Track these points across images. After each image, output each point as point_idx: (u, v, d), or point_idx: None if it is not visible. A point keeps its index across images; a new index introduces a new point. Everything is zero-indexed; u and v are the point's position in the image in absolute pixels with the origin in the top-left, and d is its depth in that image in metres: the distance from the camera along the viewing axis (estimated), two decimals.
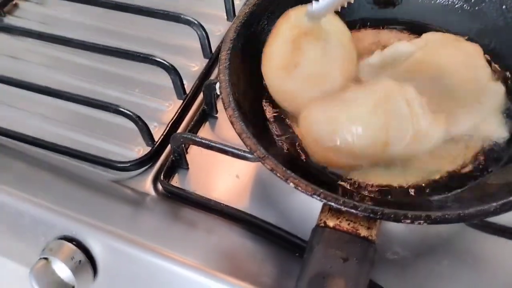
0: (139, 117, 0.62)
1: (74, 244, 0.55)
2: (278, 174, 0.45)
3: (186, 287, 0.55)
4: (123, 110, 0.61)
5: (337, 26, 0.61)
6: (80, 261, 0.53)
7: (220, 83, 0.52)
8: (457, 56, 0.59)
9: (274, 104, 0.60)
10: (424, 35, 0.62)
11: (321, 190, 0.43)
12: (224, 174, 0.63)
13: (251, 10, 0.60)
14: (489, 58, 0.62)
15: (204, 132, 0.69)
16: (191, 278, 0.54)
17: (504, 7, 0.60)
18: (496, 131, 0.56)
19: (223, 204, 0.59)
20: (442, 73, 0.58)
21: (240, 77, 0.57)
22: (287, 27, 0.59)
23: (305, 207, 0.57)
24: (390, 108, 0.51)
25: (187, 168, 0.64)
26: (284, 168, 0.45)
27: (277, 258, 0.55)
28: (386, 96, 0.52)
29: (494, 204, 0.41)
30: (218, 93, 0.52)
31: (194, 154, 0.66)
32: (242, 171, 0.63)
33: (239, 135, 0.48)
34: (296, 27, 0.58)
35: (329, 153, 0.53)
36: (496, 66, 0.62)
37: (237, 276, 0.53)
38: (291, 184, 0.44)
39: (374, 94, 0.53)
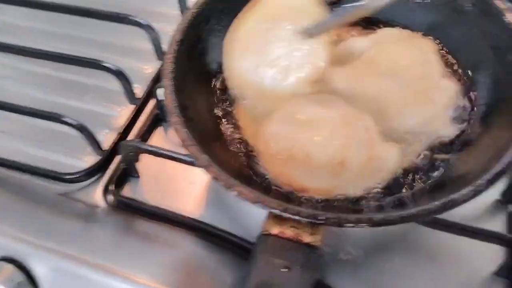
0: (83, 126, 0.59)
1: (15, 265, 0.52)
2: (221, 182, 0.44)
3: None
4: (66, 119, 0.59)
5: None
6: (19, 282, 0.51)
7: (164, 89, 0.51)
8: (411, 52, 0.59)
9: (227, 110, 0.59)
10: (380, 31, 0.62)
11: (264, 197, 0.42)
12: (178, 181, 0.62)
13: (199, 10, 0.58)
14: (445, 53, 0.62)
15: (157, 137, 0.67)
16: None
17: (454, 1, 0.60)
18: (444, 129, 0.56)
19: (176, 213, 0.57)
20: (395, 69, 0.58)
21: (188, 82, 0.55)
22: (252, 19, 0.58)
23: (259, 213, 0.56)
24: (349, 131, 0.52)
25: (138, 177, 0.63)
26: (227, 176, 0.44)
27: (235, 266, 0.54)
28: (346, 119, 0.53)
29: (436, 203, 0.41)
30: (162, 98, 0.50)
31: (146, 161, 0.63)
32: (196, 177, 0.62)
33: (183, 142, 0.47)
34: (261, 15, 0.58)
35: (284, 169, 0.52)
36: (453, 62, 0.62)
37: None
38: (234, 192, 0.43)
39: (335, 115, 0.53)
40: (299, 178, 0.51)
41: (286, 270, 0.40)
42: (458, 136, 0.55)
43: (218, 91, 0.61)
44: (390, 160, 0.52)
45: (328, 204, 0.49)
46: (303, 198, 0.50)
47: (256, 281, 0.40)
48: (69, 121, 0.59)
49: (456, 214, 0.54)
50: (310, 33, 0.55)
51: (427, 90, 0.57)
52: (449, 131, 0.56)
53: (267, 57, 0.57)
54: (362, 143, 0.51)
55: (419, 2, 0.64)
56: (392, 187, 0.52)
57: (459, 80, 0.60)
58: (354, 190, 0.51)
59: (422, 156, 0.54)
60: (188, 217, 0.57)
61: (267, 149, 0.53)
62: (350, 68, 0.59)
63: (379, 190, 0.51)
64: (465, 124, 0.56)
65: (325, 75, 0.59)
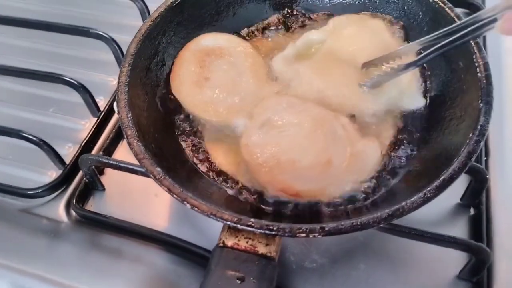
0: (43, 140, 0.59)
1: None
2: (174, 195, 0.44)
3: None
4: (25, 134, 0.58)
5: (234, 40, 0.63)
6: None
7: (117, 102, 0.50)
8: (364, 35, 0.61)
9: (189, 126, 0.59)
10: (330, 20, 0.63)
11: (217, 210, 0.42)
12: (143, 194, 0.61)
13: (155, 22, 0.58)
14: (398, 27, 0.63)
15: (122, 150, 0.67)
16: None
17: (405, 7, 0.61)
18: (414, 101, 0.57)
19: (142, 226, 0.57)
20: (353, 54, 0.59)
21: (145, 95, 0.55)
22: (189, 52, 0.61)
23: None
24: (329, 130, 0.52)
25: (103, 190, 0.62)
26: (181, 189, 0.44)
27: (201, 278, 0.52)
28: (322, 120, 0.53)
29: (386, 211, 0.41)
30: (116, 112, 0.50)
31: (111, 175, 0.63)
32: (160, 190, 0.60)
33: (136, 156, 0.47)
34: (197, 51, 0.61)
35: (274, 176, 0.52)
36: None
37: None
38: (188, 205, 0.43)
39: (310, 118, 0.53)
40: (290, 183, 0.51)
41: (240, 282, 0.40)
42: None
43: (176, 104, 0.60)
44: (372, 153, 0.53)
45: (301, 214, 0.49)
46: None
47: None
48: (29, 136, 0.59)
49: (419, 219, 0.55)
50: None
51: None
52: (418, 103, 0.57)
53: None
54: (342, 141, 0.52)
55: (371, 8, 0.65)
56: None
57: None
58: (345, 186, 0.51)
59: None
60: (154, 230, 0.57)
61: (253, 159, 0.53)
62: (312, 63, 0.60)
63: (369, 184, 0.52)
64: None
65: (288, 71, 0.60)
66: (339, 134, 0.52)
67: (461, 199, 0.59)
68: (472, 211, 0.58)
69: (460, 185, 0.59)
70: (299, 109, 0.55)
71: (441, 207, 0.59)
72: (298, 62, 0.61)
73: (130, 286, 0.53)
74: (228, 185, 0.54)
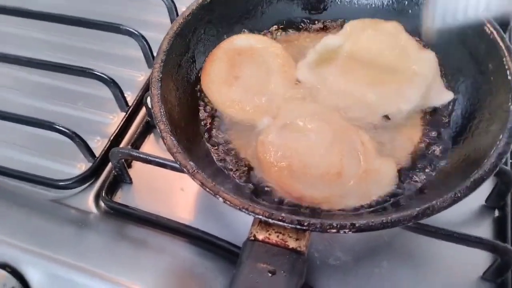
0: (75, 133, 0.60)
1: (7, 271, 0.53)
2: (207, 189, 0.45)
3: None
4: (57, 127, 0.60)
5: (266, 41, 0.64)
6: (13, 287, 0.51)
7: (151, 97, 0.51)
8: (380, 37, 0.62)
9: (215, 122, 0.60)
10: (346, 25, 0.64)
11: (250, 204, 0.43)
12: (169, 187, 0.63)
13: (186, 20, 0.59)
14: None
15: (149, 144, 0.68)
16: None
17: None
18: (442, 96, 0.58)
19: (168, 219, 0.58)
20: (375, 57, 0.60)
21: (176, 90, 0.56)
22: (221, 50, 0.62)
23: (249, 219, 0.56)
24: (347, 144, 0.53)
25: (131, 183, 0.63)
26: (213, 183, 0.45)
27: (226, 271, 0.54)
28: (344, 133, 0.54)
29: (416, 209, 0.41)
30: (150, 106, 0.51)
31: (138, 168, 0.65)
32: (186, 184, 0.62)
33: (169, 150, 0.48)
34: (229, 50, 0.62)
35: (283, 177, 0.53)
36: None
37: None
38: (220, 198, 0.44)
39: (332, 129, 0.54)
40: (297, 186, 0.52)
41: (271, 275, 0.41)
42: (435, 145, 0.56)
43: (205, 100, 0.61)
44: (387, 174, 0.53)
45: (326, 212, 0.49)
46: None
47: (242, 286, 0.40)
48: (61, 128, 0.60)
49: (444, 220, 0.55)
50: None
51: (411, 67, 0.59)
52: (446, 96, 0.58)
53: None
54: (358, 156, 0.53)
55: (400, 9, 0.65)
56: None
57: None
58: (350, 201, 0.51)
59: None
60: (180, 223, 0.58)
61: (266, 157, 0.54)
62: (336, 67, 0.61)
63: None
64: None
65: (314, 77, 0.61)
66: (356, 149, 0.53)
67: (486, 201, 0.59)
68: (496, 213, 0.59)
69: (485, 187, 0.58)
70: (323, 118, 0.56)
71: (466, 209, 0.59)
72: (321, 67, 0.61)
73: (155, 276, 0.54)
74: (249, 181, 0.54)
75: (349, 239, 0.57)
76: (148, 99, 0.51)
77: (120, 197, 0.62)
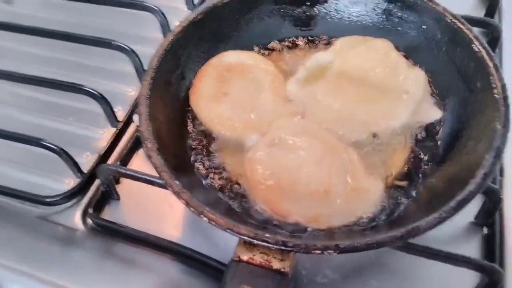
0: (62, 149, 0.60)
1: None
2: (192, 209, 0.45)
3: None
4: (45, 143, 0.60)
5: (256, 58, 0.64)
6: None
7: (139, 115, 0.51)
8: (370, 54, 0.62)
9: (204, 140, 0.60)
10: (337, 41, 0.65)
11: (234, 224, 0.43)
12: (158, 204, 0.62)
13: (177, 37, 0.59)
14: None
15: (138, 160, 0.68)
16: None
17: (423, 26, 0.62)
18: (430, 114, 0.58)
19: (156, 236, 0.57)
20: (364, 73, 0.61)
21: (165, 108, 0.56)
22: (210, 67, 0.62)
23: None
24: (335, 162, 0.53)
25: (119, 199, 0.63)
26: (198, 203, 0.45)
27: None
28: (333, 151, 0.54)
29: (401, 230, 0.41)
30: (138, 124, 0.51)
31: (126, 184, 0.64)
32: (175, 201, 0.60)
33: (156, 168, 0.48)
34: (218, 66, 0.62)
35: (270, 195, 0.52)
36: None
37: None
38: (205, 218, 0.44)
39: (321, 146, 0.54)
40: (284, 204, 0.51)
41: None
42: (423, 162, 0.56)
43: (194, 117, 0.61)
44: (374, 193, 0.53)
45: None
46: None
47: None
48: (49, 145, 0.60)
49: (432, 237, 0.55)
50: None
51: (400, 85, 0.59)
52: (435, 114, 0.58)
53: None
54: (346, 174, 0.53)
55: (390, 27, 0.66)
56: None
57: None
58: (337, 221, 0.51)
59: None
60: (168, 241, 0.57)
61: (253, 175, 0.53)
62: (325, 84, 0.61)
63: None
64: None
65: (304, 94, 0.61)
66: (345, 167, 0.53)
67: (475, 218, 0.59)
68: (485, 230, 0.58)
69: (474, 204, 0.58)
70: (312, 135, 0.56)
71: (454, 226, 0.59)
72: (311, 84, 0.62)
73: None
74: (236, 200, 0.54)
75: (337, 257, 0.57)
76: (136, 117, 0.51)
77: (107, 213, 0.62)
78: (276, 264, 0.43)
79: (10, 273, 0.55)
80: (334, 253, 0.41)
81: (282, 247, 0.41)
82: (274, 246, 0.41)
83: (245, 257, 0.43)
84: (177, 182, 0.46)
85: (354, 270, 0.56)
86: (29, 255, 0.57)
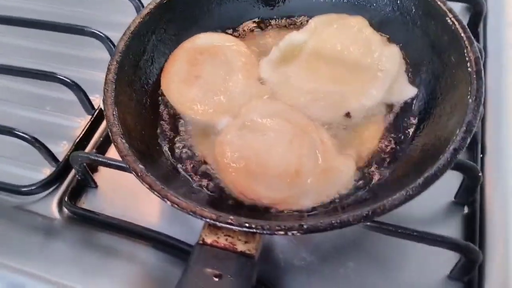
0: (35, 138, 0.60)
1: None
2: (155, 193, 0.44)
3: None
4: (17, 132, 0.59)
5: (229, 39, 0.63)
6: None
7: (104, 100, 0.50)
8: (345, 33, 0.60)
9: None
10: (311, 20, 0.63)
11: (197, 207, 0.42)
12: (135, 191, 0.61)
13: (144, 20, 0.58)
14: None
15: None
16: None
17: (398, 1, 0.60)
18: (405, 91, 0.57)
19: (134, 224, 0.57)
20: (339, 52, 0.59)
21: (132, 92, 0.55)
22: (182, 50, 0.61)
23: None
24: (306, 142, 0.52)
25: (96, 187, 0.62)
26: (162, 186, 0.44)
27: None
28: (303, 132, 0.53)
29: (366, 208, 0.40)
30: (102, 108, 0.50)
31: (104, 172, 0.64)
32: None
33: (119, 153, 0.47)
34: (190, 49, 0.61)
35: (239, 178, 0.52)
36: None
37: None
38: (168, 202, 0.43)
39: (292, 127, 0.53)
40: (254, 187, 0.51)
41: (217, 279, 0.40)
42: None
43: (166, 102, 0.60)
44: (345, 173, 0.52)
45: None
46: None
47: None
48: (21, 134, 0.60)
49: (412, 217, 0.55)
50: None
51: (375, 63, 0.58)
52: (410, 92, 0.57)
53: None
54: (317, 154, 0.52)
55: (364, 4, 0.64)
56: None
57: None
58: (308, 201, 0.50)
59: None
60: (144, 227, 0.57)
61: (223, 157, 0.53)
62: (299, 64, 0.59)
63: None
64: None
65: (276, 75, 0.59)
66: (315, 147, 0.52)
67: (455, 197, 0.58)
68: (466, 209, 0.57)
69: (454, 182, 0.58)
70: (283, 116, 0.55)
71: (435, 206, 0.58)
72: (284, 65, 0.60)
73: (121, 284, 0.53)
74: (207, 184, 0.53)
75: (314, 240, 0.56)
76: (101, 102, 0.50)
77: (84, 202, 0.62)
78: (240, 247, 0.42)
79: None
80: (298, 234, 0.40)
81: (245, 229, 0.41)
82: (237, 228, 0.41)
83: (209, 240, 0.43)
84: (141, 166, 0.45)
85: (332, 252, 0.55)
86: (6, 246, 0.57)
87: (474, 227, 0.55)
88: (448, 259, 0.52)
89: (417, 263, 0.53)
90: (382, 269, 0.53)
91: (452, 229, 0.56)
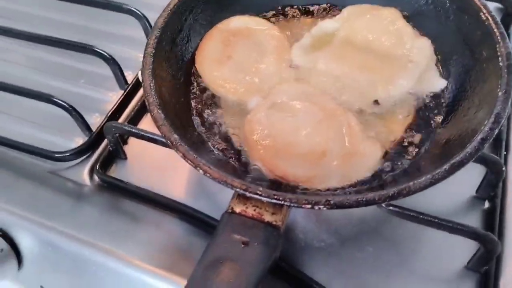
0: (72, 107, 0.62)
1: None
2: (189, 161, 0.46)
3: (125, 283, 0.55)
4: (56, 100, 0.62)
5: (262, 23, 0.65)
6: (1, 249, 0.53)
7: (142, 71, 0.53)
8: (377, 23, 0.61)
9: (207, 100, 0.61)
10: (344, 10, 0.64)
11: (228, 177, 0.44)
12: (162, 165, 0.64)
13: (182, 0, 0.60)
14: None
15: (146, 121, 0.69)
16: (130, 275, 0.54)
17: None
18: (435, 83, 0.58)
19: (160, 195, 0.59)
20: (370, 42, 0.60)
21: (168, 67, 0.57)
22: (217, 31, 0.63)
23: None
24: (333, 125, 0.53)
25: (126, 159, 0.65)
26: (195, 155, 0.46)
27: None
28: (331, 115, 0.54)
29: (392, 189, 0.42)
30: (140, 79, 0.52)
31: (134, 145, 0.66)
32: (180, 161, 0.63)
33: (155, 122, 0.49)
34: (224, 30, 0.63)
35: (267, 155, 0.53)
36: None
37: (176, 273, 0.53)
38: (201, 171, 0.45)
39: (320, 110, 0.55)
40: (281, 164, 0.52)
41: (244, 246, 0.42)
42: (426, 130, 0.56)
43: (198, 80, 0.62)
44: (371, 158, 0.53)
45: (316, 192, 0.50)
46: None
47: (213, 256, 0.41)
48: (59, 101, 0.62)
49: (434, 208, 0.55)
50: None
51: (406, 54, 0.59)
52: (439, 84, 0.58)
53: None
54: (344, 138, 0.53)
55: None
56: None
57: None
58: (332, 182, 0.52)
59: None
60: (170, 199, 0.59)
61: (252, 134, 0.54)
62: (330, 52, 0.61)
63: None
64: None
65: (307, 60, 0.61)
66: (343, 131, 0.53)
67: (476, 191, 0.58)
68: (486, 204, 0.58)
69: (476, 177, 0.58)
70: (312, 100, 0.56)
71: (456, 199, 0.59)
72: (315, 51, 0.62)
73: (146, 249, 0.56)
74: (235, 158, 0.55)
75: (335, 222, 0.57)
76: (140, 73, 0.52)
77: (114, 172, 0.64)
78: (267, 217, 0.44)
79: (21, 220, 0.58)
80: (324, 208, 0.42)
81: (273, 200, 0.42)
82: (266, 198, 0.42)
83: (237, 209, 0.44)
84: (175, 136, 0.47)
85: (351, 236, 0.56)
86: (41, 207, 0.59)
87: (494, 221, 0.56)
88: (466, 249, 0.53)
89: (435, 252, 0.54)
90: (400, 256, 0.55)
91: (472, 222, 0.56)
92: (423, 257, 0.54)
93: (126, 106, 0.70)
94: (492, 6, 0.75)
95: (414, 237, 0.56)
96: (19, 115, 0.70)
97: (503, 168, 0.54)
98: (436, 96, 0.58)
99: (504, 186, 0.59)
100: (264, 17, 0.67)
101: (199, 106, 0.59)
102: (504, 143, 0.62)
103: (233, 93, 0.59)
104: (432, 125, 0.55)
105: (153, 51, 0.54)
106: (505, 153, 0.62)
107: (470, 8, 0.55)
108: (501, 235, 0.55)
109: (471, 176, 0.58)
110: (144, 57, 0.54)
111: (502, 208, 0.57)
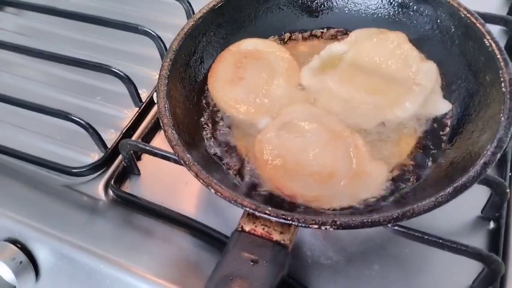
0: (89, 124, 0.64)
1: (17, 246, 0.57)
2: (201, 181, 0.48)
3: None
4: (73, 117, 0.64)
5: (273, 46, 0.67)
6: (21, 262, 0.55)
7: (157, 93, 0.55)
8: (384, 46, 0.64)
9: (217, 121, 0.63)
10: (352, 33, 0.67)
11: (238, 196, 0.46)
12: (174, 181, 0.66)
13: (197, 22, 0.62)
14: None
15: (159, 139, 0.71)
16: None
17: (438, 20, 0.63)
18: (440, 106, 0.59)
19: (172, 210, 0.61)
20: (377, 65, 0.63)
21: (182, 88, 0.60)
22: (228, 53, 0.66)
23: None
24: (341, 146, 0.55)
25: (139, 174, 0.67)
26: (207, 175, 0.48)
27: None
28: (339, 136, 0.56)
29: (397, 211, 0.43)
30: (155, 101, 0.55)
31: (147, 161, 0.68)
32: (190, 178, 0.64)
33: (169, 142, 0.51)
34: (236, 52, 0.66)
35: (276, 175, 0.55)
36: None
37: (186, 287, 0.54)
38: (212, 190, 0.47)
39: (328, 131, 0.57)
40: (289, 184, 0.54)
41: (253, 264, 0.43)
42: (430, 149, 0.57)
43: (210, 100, 0.64)
44: (377, 178, 0.54)
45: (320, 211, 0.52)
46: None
47: (223, 273, 0.43)
48: (77, 119, 0.65)
49: (439, 228, 0.56)
50: None
51: (412, 77, 0.61)
52: (444, 107, 0.59)
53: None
54: (351, 159, 0.55)
55: (405, 20, 0.67)
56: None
57: None
58: (339, 202, 0.53)
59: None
60: (181, 214, 0.61)
61: (262, 154, 0.56)
62: (338, 74, 0.63)
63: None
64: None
65: (316, 82, 0.63)
66: (350, 152, 0.55)
67: (481, 212, 0.59)
68: (492, 224, 0.59)
69: (481, 197, 0.59)
70: (320, 121, 0.58)
71: (462, 219, 0.60)
72: (324, 73, 0.64)
73: (156, 262, 0.57)
74: (244, 177, 0.56)
75: (342, 240, 0.59)
76: (155, 95, 0.55)
77: (128, 187, 0.66)
78: (276, 236, 0.45)
79: (35, 232, 0.60)
80: (331, 228, 0.43)
81: (282, 220, 0.44)
82: (275, 218, 0.44)
83: (247, 228, 0.46)
84: (188, 155, 0.49)
85: (358, 254, 0.57)
86: (54, 219, 0.62)
87: (499, 241, 0.57)
88: (471, 269, 0.54)
89: (440, 271, 0.55)
90: (406, 275, 0.55)
91: (477, 243, 0.57)
92: (429, 276, 0.55)
93: (140, 123, 0.73)
94: (497, 29, 0.77)
95: (420, 255, 0.57)
96: (38, 131, 0.73)
97: (507, 190, 0.55)
98: (440, 119, 0.59)
99: (508, 207, 0.59)
100: (274, 40, 0.70)
101: (211, 125, 0.62)
102: (509, 164, 0.63)
103: (244, 114, 0.61)
104: (437, 147, 0.56)
105: (168, 73, 0.56)
106: (510, 174, 0.63)
107: (474, 34, 0.56)
108: (505, 255, 0.56)
109: (476, 196, 0.59)
110: (159, 79, 0.56)
111: (507, 229, 0.58)
